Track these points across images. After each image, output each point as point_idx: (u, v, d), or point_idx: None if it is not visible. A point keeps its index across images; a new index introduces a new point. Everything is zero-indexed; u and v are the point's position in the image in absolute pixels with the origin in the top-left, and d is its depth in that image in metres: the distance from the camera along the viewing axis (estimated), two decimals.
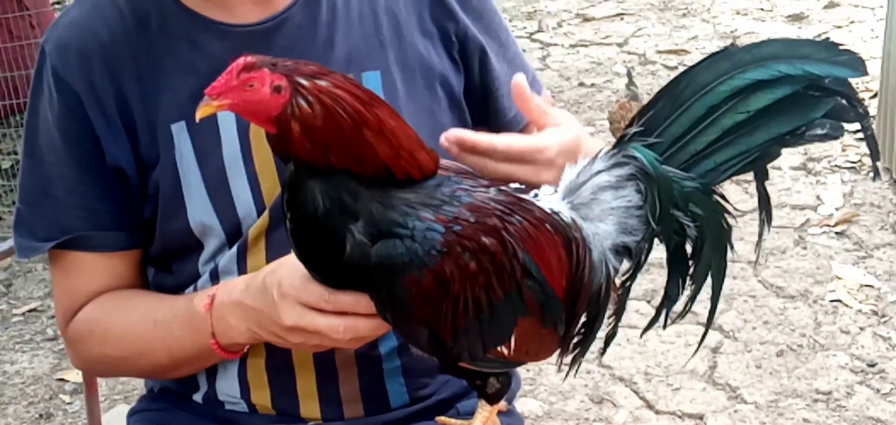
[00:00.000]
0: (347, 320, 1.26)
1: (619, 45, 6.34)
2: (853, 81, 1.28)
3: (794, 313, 3.56)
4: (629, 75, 5.06)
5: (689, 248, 1.32)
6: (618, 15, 6.85)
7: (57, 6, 5.84)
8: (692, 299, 1.35)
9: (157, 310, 1.48)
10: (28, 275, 4.08)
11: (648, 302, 3.36)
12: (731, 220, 1.32)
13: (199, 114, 1.16)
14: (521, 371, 1.46)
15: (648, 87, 5.54)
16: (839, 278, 3.73)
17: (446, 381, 1.57)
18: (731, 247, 1.33)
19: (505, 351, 1.27)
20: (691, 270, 1.33)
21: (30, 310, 3.86)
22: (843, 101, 1.27)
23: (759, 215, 1.34)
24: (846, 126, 1.27)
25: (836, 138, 1.27)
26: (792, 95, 1.26)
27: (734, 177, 1.31)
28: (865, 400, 3.13)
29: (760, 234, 1.34)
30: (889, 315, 3.52)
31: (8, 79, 4.58)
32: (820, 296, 3.64)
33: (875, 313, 3.54)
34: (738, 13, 6.73)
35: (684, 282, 1.34)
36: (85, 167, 1.46)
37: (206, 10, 1.46)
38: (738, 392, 3.19)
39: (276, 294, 1.29)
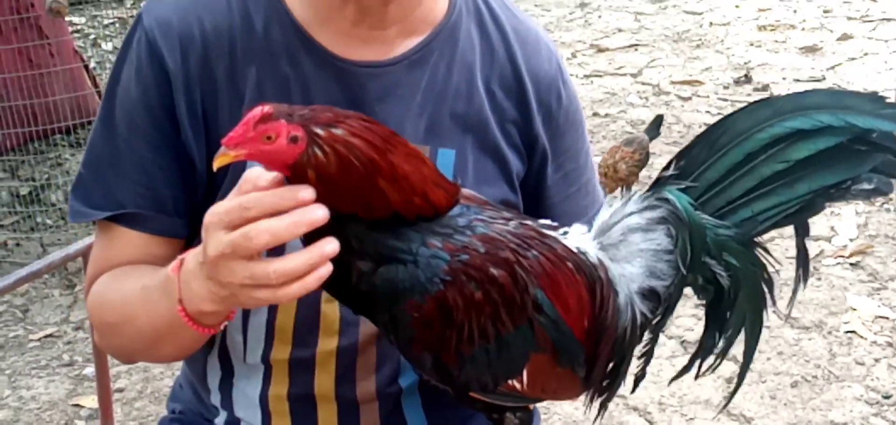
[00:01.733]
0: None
1: (633, 75, 6.36)
2: None
3: (809, 344, 3.55)
4: (657, 122, 4.93)
5: (722, 298, 1.29)
6: (632, 45, 6.88)
7: (75, 35, 5.91)
8: (724, 352, 1.32)
9: (148, 275, 1.37)
10: (44, 301, 4.10)
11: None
12: (773, 274, 1.28)
13: (217, 163, 1.15)
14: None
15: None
16: (854, 309, 3.72)
17: (470, 417, 1.56)
18: (773, 302, 1.29)
19: (517, 385, 1.26)
20: (725, 321, 1.30)
21: (46, 336, 3.87)
22: (892, 157, 1.22)
23: (796, 271, 1.30)
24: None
25: (885, 195, 1.23)
26: (836, 147, 1.22)
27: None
28: None
29: (795, 290, 1.30)
30: None
31: (28, 106, 4.62)
32: (834, 327, 3.64)
33: (890, 345, 3.53)
34: (751, 44, 6.75)
35: (721, 333, 1.31)
36: (159, 147, 1.41)
37: (317, 33, 1.42)
38: (752, 423, 3.18)
39: (203, 232, 1.15)
